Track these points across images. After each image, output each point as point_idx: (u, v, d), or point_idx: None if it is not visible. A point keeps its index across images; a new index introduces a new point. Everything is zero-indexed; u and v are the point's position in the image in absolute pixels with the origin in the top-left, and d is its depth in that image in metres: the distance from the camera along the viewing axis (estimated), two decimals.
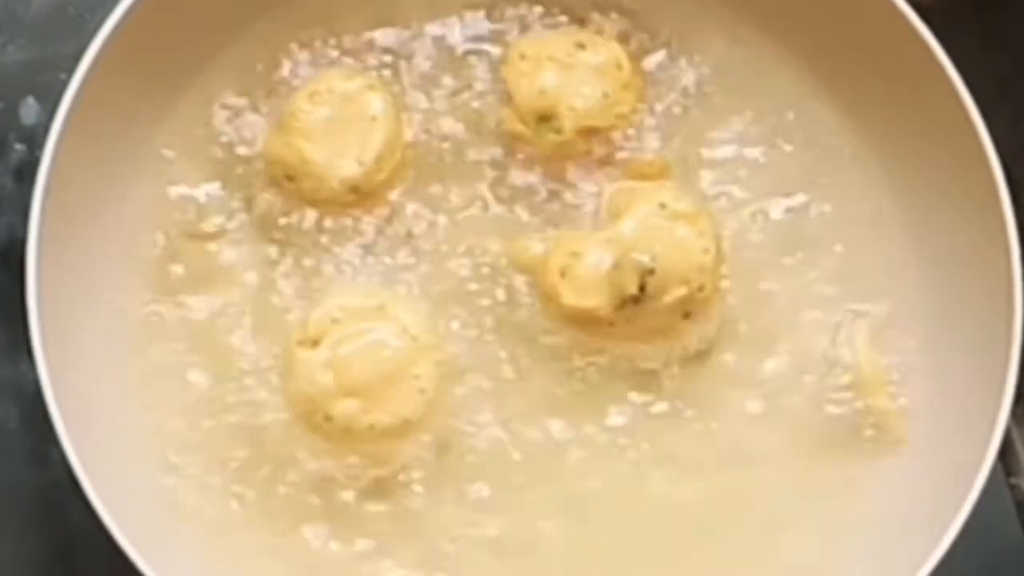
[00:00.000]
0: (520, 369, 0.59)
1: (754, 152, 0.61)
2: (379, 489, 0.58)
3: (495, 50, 0.61)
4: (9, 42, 0.65)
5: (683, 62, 0.61)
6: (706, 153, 0.61)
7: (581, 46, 0.60)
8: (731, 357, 0.60)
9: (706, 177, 0.61)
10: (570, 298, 0.58)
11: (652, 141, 0.60)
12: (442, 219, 0.60)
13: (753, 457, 0.60)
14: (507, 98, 0.60)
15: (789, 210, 0.61)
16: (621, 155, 0.60)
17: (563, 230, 0.59)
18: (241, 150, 0.60)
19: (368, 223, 0.60)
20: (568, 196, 0.60)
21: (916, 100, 0.59)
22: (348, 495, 0.58)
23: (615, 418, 0.59)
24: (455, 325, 0.59)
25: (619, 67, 0.60)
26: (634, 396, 0.59)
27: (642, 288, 0.58)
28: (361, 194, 0.59)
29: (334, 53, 0.61)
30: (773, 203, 0.61)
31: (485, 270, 0.60)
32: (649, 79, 0.61)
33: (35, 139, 0.63)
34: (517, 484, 0.59)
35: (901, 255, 0.61)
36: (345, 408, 0.56)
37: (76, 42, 0.58)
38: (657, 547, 0.59)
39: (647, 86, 0.61)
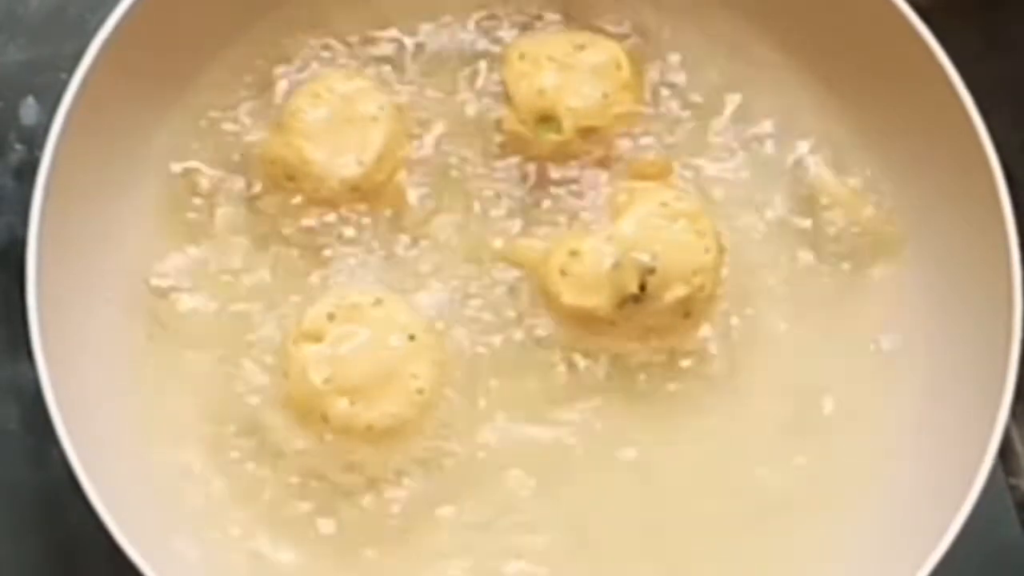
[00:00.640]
0: (519, 367, 0.59)
1: (755, 152, 0.61)
2: (378, 488, 0.58)
3: (494, 50, 0.61)
4: (9, 42, 0.65)
5: (683, 62, 0.61)
6: (706, 153, 0.61)
7: (580, 46, 0.60)
8: (730, 358, 0.60)
9: (707, 177, 0.61)
10: (570, 297, 0.58)
11: (653, 140, 0.60)
12: (441, 219, 0.60)
13: (752, 458, 0.59)
14: (506, 98, 0.60)
15: (789, 210, 0.61)
16: (621, 155, 0.60)
17: (564, 229, 0.59)
18: (241, 150, 0.60)
19: (367, 223, 0.59)
20: (568, 196, 0.60)
21: (916, 100, 0.59)
22: (349, 495, 0.58)
23: (615, 418, 0.59)
24: (453, 324, 0.59)
25: (618, 67, 0.60)
26: (633, 394, 0.59)
27: (642, 287, 0.58)
28: (361, 194, 0.59)
29: (334, 53, 0.61)
30: (773, 203, 0.61)
31: (485, 269, 0.59)
32: (649, 78, 0.61)
33: (35, 139, 0.63)
34: (516, 482, 0.58)
35: (901, 255, 0.61)
36: (342, 408, 0.56)
37: (76, 42, 0.58)
38: (659, 546, 0.59)
39: (647, 86, 0.61)
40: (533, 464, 0.59)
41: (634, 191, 0.59)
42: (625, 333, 0.59)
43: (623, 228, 0.58)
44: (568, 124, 0.59)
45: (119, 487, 0.55)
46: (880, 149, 0.61)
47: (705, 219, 0.59)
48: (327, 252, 0.59)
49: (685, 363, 0.59)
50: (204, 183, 0.60)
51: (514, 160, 0.60)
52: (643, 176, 0.60)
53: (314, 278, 0.59)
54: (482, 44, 0.61)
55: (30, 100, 0.64)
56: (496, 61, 0.61)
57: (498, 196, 0.60)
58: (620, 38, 0.61)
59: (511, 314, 0.59)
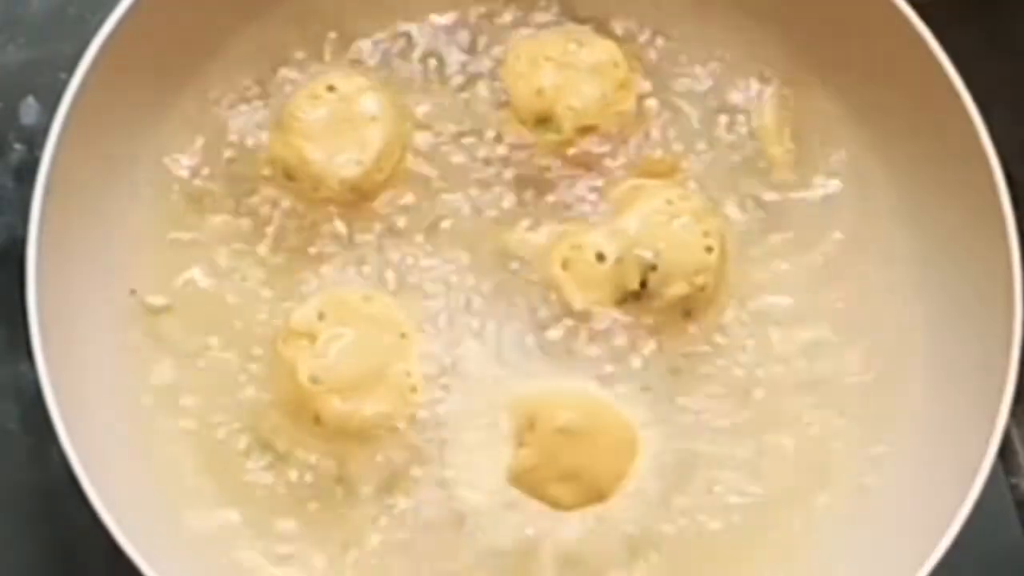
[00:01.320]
0: (519, 365, 0.59)
1: (754, 152, 0.61)
2: (377, 487, 0.58)
3: (493, 50, 0.61)
4: (9, 42, 0.65)
5: (682, 60, 0.61)
6: (708, 152, 0.61)
7: (578, 46, 0.60)
8: (730, 358, 0.60)
9: (709, 176, 0.61)
10: (572, 291, 0.58)
11: (654, 140, 0.60)
12: (441, 219, 0.60)
13: (752, 457, 0.59)
14: (505, 98, 0.60)
15: (788, 209, 0.61)
16: (621, 153, 0.60)
17: (565, 226, 0.59)
18: (241, 150, 0.60)
19: (367, 222, 0.59)
20: (569, 195, 0.60)
21: (916, 100, 0.59)
22: (345, 492, 0.58)
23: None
24: (450, 322, 0.59)
25: (616, 66, 0.60)
26: (634, 393, 0.59)
27: (643, 284, 0.58)
28: (361, 193, 0.59)
29: (333, 53, 0.61)
30: (770, 202, 0.61)
31: (483, 268, 0.59)
32: (650, 78, 0.61)
33: (35, 139, 0.63)
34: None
35: (901, 255, 0.61)
36: (334, 407, 0.56)
37: (76, 42, 0.58)
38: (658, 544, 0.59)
39: (651, 84, 0.61)
40: None
41: (640, 188, 0.60)
42: (626, 330, 0.58)
43: (627, 224, 0.58)
44: (567, 124, 0.59)
45: (119, 487, 0.55)
46: (880, 149, 0.61)
47: (710, 219, 0.59)
48: (326, 251, 0.59)
49: (685, 362, 0.59)
50: (203, 183, 0.60)
51: (514, 159, 0.60)
52: (651, 173, 0.60)
53: (312, 278, 0.59)
54: (481, 44, 0.61)
55: (30, 100, 0.64)
56: (495, 61, 0.61)
57: (498, 195, 0.60)
58: (618, 37, 0.61)
59: (509, 311, 0.59)
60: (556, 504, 0.57)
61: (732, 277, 0.60)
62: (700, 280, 0.58)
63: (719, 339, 0.60)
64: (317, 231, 0.59)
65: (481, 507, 0.58)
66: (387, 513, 0.58)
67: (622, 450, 0.58)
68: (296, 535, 0.58)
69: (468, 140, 0.60)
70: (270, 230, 0.59)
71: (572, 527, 0.58)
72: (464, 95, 0.60)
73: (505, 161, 0.60)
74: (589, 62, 0.59)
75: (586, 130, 0.60)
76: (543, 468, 0.57)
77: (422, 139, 0.60)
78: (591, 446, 0.57)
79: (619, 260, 0.58)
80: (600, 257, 0.58)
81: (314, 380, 0.56)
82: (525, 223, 0.60)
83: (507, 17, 0.61)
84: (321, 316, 0.57)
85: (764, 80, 0.61)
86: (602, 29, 0.61)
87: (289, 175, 0.59)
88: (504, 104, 0.60)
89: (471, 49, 0.61)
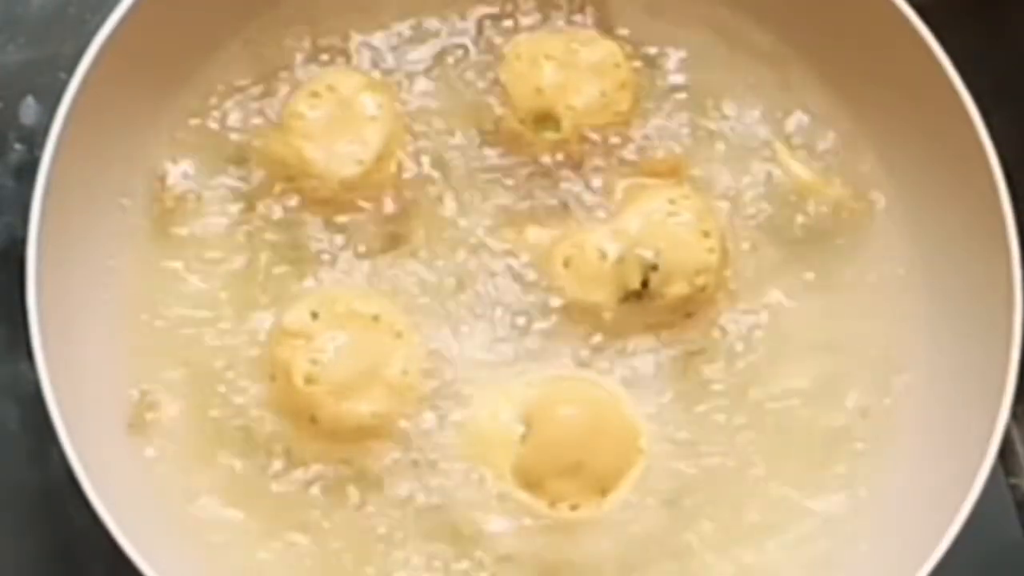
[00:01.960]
0: (518, 363, 0.59)
1: (756, 151, 0.61)
2: (376, 486, 0.58)
3: (493, 49, 0.61)
4: (9, 42, 0.65)
5: (681, 59, 0.61)
6: (709, 152, 0.61)
7: (578, 45, 0.60)
8: (730, 357, 0.60)
9: (710, 176, 0.61)
10: (573, 290, 0.58)
11: (655, 139, 0.60)
12: (440, 218, 0.60)
13: (752, 457, 0.60)
14: (505, 97, 0.60)
15: (788, 208, 0.61)
16: (621, 152, 0.60)
17: (565, 226, 0.59)
18: (240, 150, 0.60)
19: (366, 222, 0.60)
20: (569, 195, 0.60)
21: (916, 100, 0.59)
22: (343, 493, 0.58)
23: None
24: (448, 321, 0.59)
25: (616, 65, 0.60)
26: (634, 392, 0.59)
27: (645, 284, 0.58)
28: (360, 193, 0.59)
29: (333, 53, 0.61)
30: (773, 202, 0.61)
31: (481, 267, 0.59)
32: (650, 78, 0.61)
33: (35, 139, 0.63)
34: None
35: (901, 255, 0.61)
36: (330, 408, 0.56)
37: (76, 42, 0.58)
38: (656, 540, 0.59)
39: (649, 84, 0.61)
40: None
41: (642, 187, 0.60)
42: (627, 328, 0.58)
43: (628, 224, 0.58)
44: (567, 123, 0.59)
45: (119, 487, 0.55)
46: (880, 149, 0.61)
47: (712, 219, 0.59)
48: (325, 251, 0.59)
49: (686, 360, 0.59)
50: (203, 183, 0.60)
51: (513, 159, 0.60)
52: (654, 173, 0.60)
53: (309, 278, 0.59)
54: (481, 43, 0.61)
55: (30, 100, 0.64)
56: (495, 60, 0.61)
57: (497, 195, 0.60)
58: (618, 36, 0.61)
59: (507, 309, 0.59)
60: (558, 499, 0.57)
61: (732, 277, 0.60)
62: (701, 280, 0.58)
63: (719, 339, 0.60)
64: (316, 230, 0.59)
65: (481, 505, 0.58)
66: (387, 512, 0.58)
67: (623, 445, 0.58)
68: (296, 534, 0.58)
69: (468, 139, 0.60)
70: (270, 230, 0.59)
71: (572, 526, 0.58)
72: (464, 94, 0.60)
73: (505, 161, 0.60)
74: (590, 62, 0.59)
75: (586, 129, 0.59)
76: (544, 464, 0.57)
77: (422, 139, 0.60)
78: (592, 441, 0.57)
79: (620, 260, 0.58)
80: (601, 256, 0.58)
81: (309, 381, 0.56)
82: (525, 223, 0.60)
83: (506, 18, 0.61)
84: (315, 316, 0.57)
85: (764, 78, 0.62)
86: (603, 29, 0.61)
87: (289, 175, 0.59)
88: (504, 103, 0.60)
89: (471, 48, 0.61)
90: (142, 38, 0.57)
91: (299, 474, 0.58)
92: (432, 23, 0.61)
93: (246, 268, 0.59)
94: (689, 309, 0.59)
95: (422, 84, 0.61)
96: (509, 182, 0.60)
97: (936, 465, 0.58)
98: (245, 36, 0.60)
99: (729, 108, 0.61)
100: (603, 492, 0.58)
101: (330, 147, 0.58)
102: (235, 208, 0.60)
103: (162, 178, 0.60)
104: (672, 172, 0.60)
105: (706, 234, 0.58)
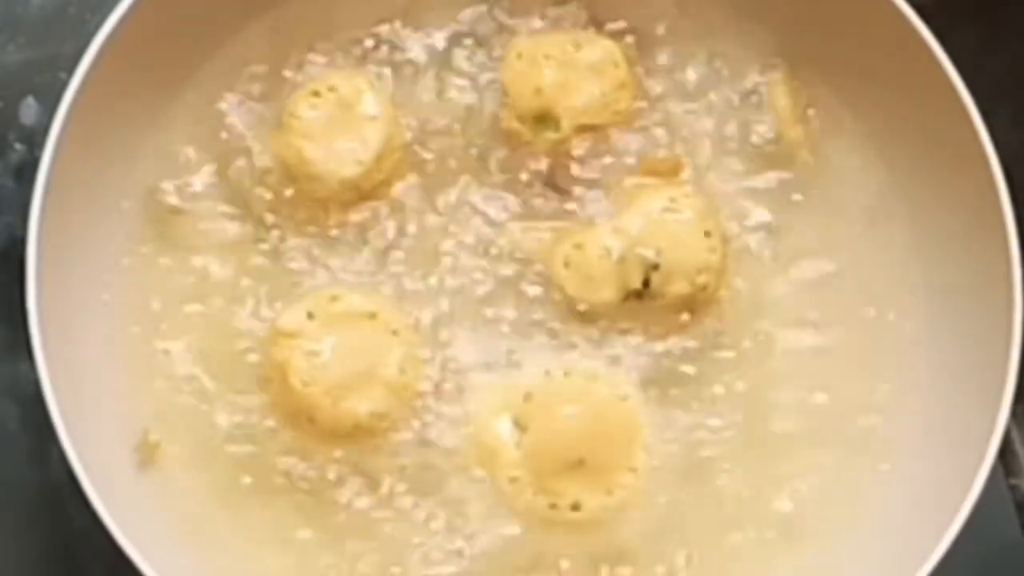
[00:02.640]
0: (517, 362, 0.59)
1: (755, 151, 0.61)
2: (375, 485, 0.58)
3: (492, 50, 0.61)
4: (9, 42, 0.65)
5: (680, 59, 0.61)
6: (710, 151, 0.61)
7: (577, 45, 0.60)
8: (731, 357, 0.60)
9: (711, 176, 0.61)
10: (574, 289, 0.58)
11: (655, 140, 0.60)
12: (440, 218, 0.60)
13: (751, 457, 0.60)
14: (504, 97, 0.60)
15: (789, 209, 0.61)
16: (621, 152, 0.60)
17: (565, 225, 0.60)
18: (240, 150, 0.60)
19: (366, 222, 0.60)
20: (569, 194, 0.60)
21: (916, 100, 0.59)
22: (343, 492, 0.58)
23: None
24: (446, 320, 0.59)
25: (615, 65, 0.60)
26: (635, 391, 0.59)
27: (646, 283, 0.58)
28: (360, 193, 0.59)
29: (333, 53, 0.61)
30: (772, 202, 0.61)
31: (481, 266, 0.59)
32: (651, 77, 0.61)
33: (35, 139, 0.63)
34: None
35: (901, 255, 0.61)
36: (327, 408, 0.56)
37: (76, 42, 0.58)
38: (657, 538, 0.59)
39: (650, 83, 0.61)
40: None
41: (642, 187, 0.60)
42: (628, 327, 0.58)
43: (629, 223, 0.58)
44: (566, 123, 0.59)
45: (119, 487, 0.55)
46: (880, 149, 0.61)
47: (713, 218, 0.59)
48: (325, 251, 0.59)
49: (686, 359, 0.59)
50: (203, 183, 0.60)
51: (513, 159, 0.60)
52: (655, 173, 0.60)
53: (309, 278, 0.59)
54: (480, 43, 0.61)
55: (30, 100, 0.64)
56: (494, 60, 0.61)
57: (497, 194, 0.60)
58: (617, 36, 0.61)
59: (506, 308, 0.59)
60: (558, 499, 0.57)
61: (733, 277, 0.60)
62: (702, 279, 0.58)
63: (720, 338, 0.60)
64: (315, 230, 0.59)
65: (481, 504, 0.58)
66: (386, 512, 0.58)
67: (624, 444, 0.58)
68: (296, 534, 0.58)
69: (467, 139, 0.60)
70: (268, 230, 0.59)
71: (572, 525, 0.58)
72: (463, 94, 0.60)
73: (504, 160, 0.60)
74: (589, 61, 0.59)
75: (585, 129, 0.60)
76: (544, 463, 0.57)
77: (421, 138, 0.60)
78: (592, 440, 0.57)
79: (621, 259, 0.58)
80: (602, 256, 0.58)
81: (306, 382, 0.56)
82: (525, 222, 0.60)
83: (506, 18, 0.61)
84: (311, 316, 0.57)
85: (765, 77, 0.62)
86: (602, 29, 0.61)
87: (289, 175, 0.59)
88: (503, 103, 0.60)
89: (471, 48, 0.61)
90: (142, 38, 0.57)
91: (299, 474, 0.58)
92: (431, 23, 0.61)
93: (245, 268, 0.59)
94: (690, 308, 0.59)
95: (422, 84, 0.61)
96: (509, 182, 0.60)
97: (936, 465, 0.58)
98: (245, 36, 0.60)
99: (723, 107, 0.61)
100: (604, 491, 0.57)
101: (330, 147, 0.58)
102: (234, 209, 0.60)
103: (162, 178, 0.60)
104: (672, 171, 0.60)
105: (707, 233, 0.58)
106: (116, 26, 0.56)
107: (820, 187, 0.61)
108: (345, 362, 0.57)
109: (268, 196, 0.60)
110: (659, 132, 0.61)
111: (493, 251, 0.60)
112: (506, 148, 0.60)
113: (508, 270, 0.59)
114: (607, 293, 0.58)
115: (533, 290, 0.59)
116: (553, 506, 0.57)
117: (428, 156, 0.60)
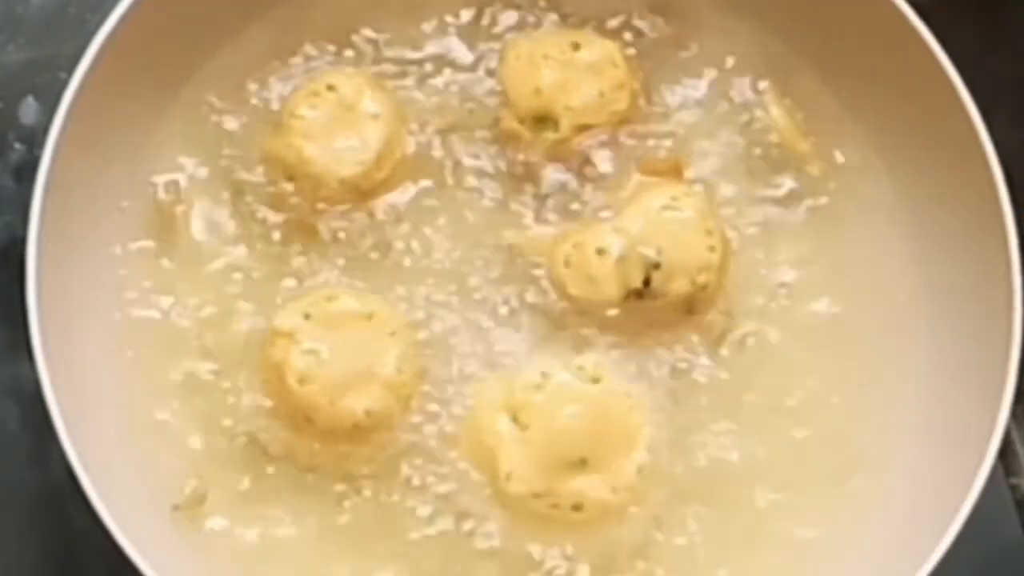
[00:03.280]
0: (516, 362, 0.59)
1: (755, 151, 0.61)
2: (374, 485, 0.58)
3: (492, 50, 0.61)
4: (9, 42, 0.65)
5: (680, 60, 0.61)
6: (710, 151, 0.61)
7: (576, 45, 0.60)
8: (731, 356, 0.60)
9: (711, 175, 0.61)
10: (575, 288, 0.58)
11: (655, 139, 0.61)
12: (440, 217, 0.60)
13: (751, 458, 0.60)
14: (504, 98, 0.60)
15: (788, 209, 0.61)
16: (621, 151, 0.60)
17: (565, 225, 0.60)
18: (240, 149, 0.60)
19: (365, 222, 0.60)
20: (569, 194, 0.60)
21: (916, 100, 0.59)
22: (344, 492, 0.58)
23: None
24: (445, 320, 0.59)
25: (614, 65, 0.60)
26: (635, 391, 0.59)
27: (647, 282, 0.58)
28: (360, 193, 0.59)
29: (333, 53, 0.61)
30: (772, 202, 0.61)
31: (480, 266, 0.59)
32: (650, 78, 0.61)
33: (35, 139, 0.63)
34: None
35: (901, 255, 0.61)
36: (325, 409, 0.56)
37: (76, 42, 0.58)
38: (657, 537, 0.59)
39: (650, 82, 0.61)
40: None
41: (642, 186, 0.60)
42: (629, 327, 0.59)
43: (629, 222, 0.58)
44: (565, 123, 0.59)
45: (119, 487, 0.55)
46: (880, 149, 0.61)
47: (713, 218, 0.59)
48: (325, 251, 0.59)
49: (687, 359, 0.59)
50: (203, 182, 0.60)
51: (512, 158, 0.60)
52: (654, 172, 0.60)
53: (308, 278, 0.59)
54: (479, 43, 0.61)
55: (30, 100, 0.64)
56: (493, 61, 0.61)
57: (497, 194, 0.60)
58: (616, 36, 0.61)
59: (505, 307, 0.59)
60: (558, 499, 0.57)
61: (733, 276, 0.60)
62: (703, 279, 0.58)
63: (721, 337, 0.60)
64: (314, 230, 0.59)
65: (481, 503, 0.58)
66: (385, 511, 0.58)
67: (624, 444, 0.58)
68: (296, 534, 0.58)
69: (467, 139, 0.60)
70: (268, 229, 0.59)
71: (572, 525, 0.58)
72: (463, 94, 0.60)
73: (504, 160, 0.60)
74: (588, 61, 0.59)
75: (584, 129, 0.60)
76: (544, 463, 0.57)
77: (421, 138, 0.60)
78: (593, 440, 0.57)
79: (622, 258, 0.58)
80: (603, 255, 0.58)
81: (302, 382, 0.56)
82: (524, 222, 0.60)
83: (507, 17, 0.61)
84: (307, 316, 0.57)
85: (765, 79, 0.62)
86: (601, 29, 0.61)
87: (289, 175, 0.59)
88: (503, 103, 0.60)
89: (470, 48, 0.61)
90: (142, 38, 0.57)
91: (299, 474, 0.58)
92: (431, 23, 0.61)
93: (245, 268, 0.59)
94: (691, 307, 0.59)
95: (422, 83, 0.61)
96: (508, 182, 0.60)
97: (936, 465, 0.58)
98: (245, 36, 0.60)
99: (728, 107, 0.61)
100: (606, 491, 0.57)
101: (330, 147, 0.58)
102: (234, 208, 0.60)
103: (162, 178, 0.60)
104: (672, 171, 0.60)
105: (708, 232, 0.58)
106: (116, 26, 0.56)
107: (820, 187, 0.61)
108: (343, 362, 0.57)
109: (268, 196, 0.60)
110: (659, 131, 0.61)
111: (493, 251, 0.60)
112: (507, 148, 0.60)
113: (508, 270, 0.59)
114: (608, 292, 0.58)
115: (533, 289, 0.59)
116: (554, 506, 0.57)
117: (428, 156, 0.60)
